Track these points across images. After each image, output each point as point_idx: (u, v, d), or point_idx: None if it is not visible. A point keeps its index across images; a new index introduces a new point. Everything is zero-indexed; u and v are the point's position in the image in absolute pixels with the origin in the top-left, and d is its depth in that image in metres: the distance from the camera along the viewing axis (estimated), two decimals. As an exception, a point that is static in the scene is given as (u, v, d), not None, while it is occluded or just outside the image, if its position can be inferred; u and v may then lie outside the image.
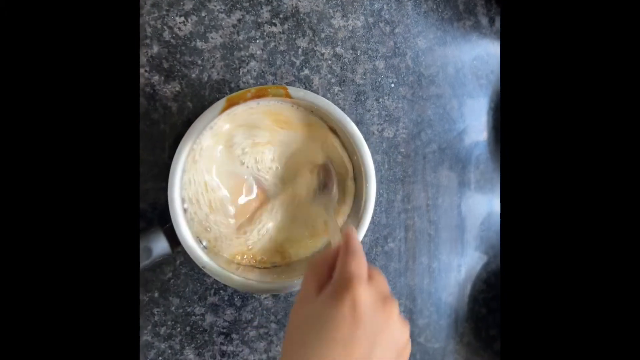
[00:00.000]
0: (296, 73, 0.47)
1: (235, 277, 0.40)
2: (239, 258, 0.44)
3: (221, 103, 0.39)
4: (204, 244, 0.42)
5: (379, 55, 0.49)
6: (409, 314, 0.52)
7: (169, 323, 0.46)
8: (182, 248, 0.40)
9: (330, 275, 0.33)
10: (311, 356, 0.29)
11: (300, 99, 0.40)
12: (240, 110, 0.41)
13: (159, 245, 0.40)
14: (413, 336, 0.53)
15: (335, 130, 0.43)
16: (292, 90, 0.40)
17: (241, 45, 0.46)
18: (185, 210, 0.40)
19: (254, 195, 0.44)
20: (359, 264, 0.32)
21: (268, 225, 0.44)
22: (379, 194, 0.50)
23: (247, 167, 0.43)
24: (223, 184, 0.43)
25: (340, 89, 0.49)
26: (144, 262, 0.39)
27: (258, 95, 0.39)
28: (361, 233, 0.43)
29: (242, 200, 0.44)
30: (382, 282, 0.32)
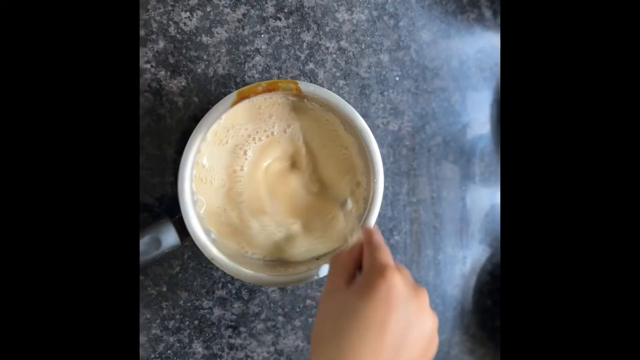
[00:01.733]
0: (301, 67, 0.47)
1: (243, 269, 0.40)
2: (247, 251, 0.44)
3: (232, 96, 0.39)
4: (213, 236, 0.42)
5: (384, 48, 0.50)
6: (415, 306, 0.53)
7: (178, 317, 0.46)
8: (190, 241, 0.40)
9: (356, 270, 0.34)
10: (344, 343, 0.29)
11: (311, 94, 0.40)
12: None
13: (169, 237, 0.40)
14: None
15: (345, 125, 0.44)
16: (302, 84, 0.40)
17: (246, 40, 0.46)
18: (194, 202, 0.40)
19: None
20: (388, 256, 0.32)
21: (271, 221, 0.45)
22: (384, 187, 0.50)
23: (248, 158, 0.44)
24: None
25: (345, 82, 0.49)
26: (153, 253, 0.40)
27: (269, 90, 0.39)
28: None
29: (250, 193, 0.44)
30: (408, 275, 0.33)
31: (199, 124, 0.39)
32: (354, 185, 0.45)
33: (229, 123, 0.42)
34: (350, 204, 0.43)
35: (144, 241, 0.40)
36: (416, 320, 0.30)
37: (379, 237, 0.34)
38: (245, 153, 0.43)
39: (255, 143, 0.43)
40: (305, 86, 0.40)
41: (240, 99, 0.39)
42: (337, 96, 0.41)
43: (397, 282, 0.30)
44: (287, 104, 0.43)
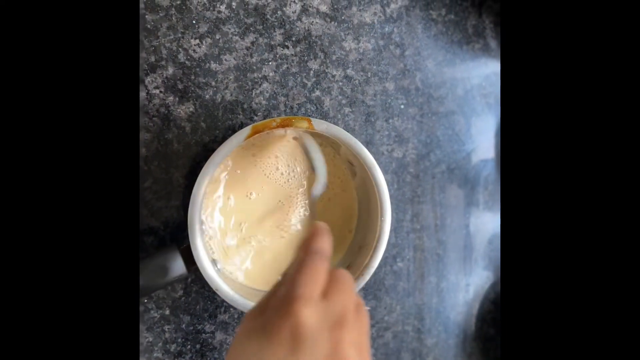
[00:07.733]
0: (307, 94, 0.48)
1: (249, 302, 0.40)
2: (250, 282, 0.44)
3: (247, 130, 0.40)
4: (219, 266, 0.42)
5: (389, 77, 0.50)
6: (417, 333, 0.53)
7: (180, 340, 0.46)
8: (195, 267, 0.41)
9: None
10: None
11: (323, 131, 0.41)
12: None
13: (175, 265, 0.40)
14: (422, 355, 0.53)
15: (353, 162, 0.44)
16: (315, 122, 0.40)
17: (254, 67, 0.47)
18: (203, 233, 0.41)
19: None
20: (312, 279, 0.27)
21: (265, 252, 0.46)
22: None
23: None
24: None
25: (350, 110, 0.49)
26: (159, 281, 0.40)
27: (282, 125, 0.40)
28: (374, 264, 0.43)
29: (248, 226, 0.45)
30: (339, 301, 0.27)
31: (212, 156, 0.39)
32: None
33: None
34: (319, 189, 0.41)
35: (151, 269, 0.40)
36: None
37: (316, 246, 0.28)
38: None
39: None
40: (318, 123, 0.40)
41: (255, 132, 0.40)
42: (348, 134, 0.41)
43: (306, 318, 0.25)
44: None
